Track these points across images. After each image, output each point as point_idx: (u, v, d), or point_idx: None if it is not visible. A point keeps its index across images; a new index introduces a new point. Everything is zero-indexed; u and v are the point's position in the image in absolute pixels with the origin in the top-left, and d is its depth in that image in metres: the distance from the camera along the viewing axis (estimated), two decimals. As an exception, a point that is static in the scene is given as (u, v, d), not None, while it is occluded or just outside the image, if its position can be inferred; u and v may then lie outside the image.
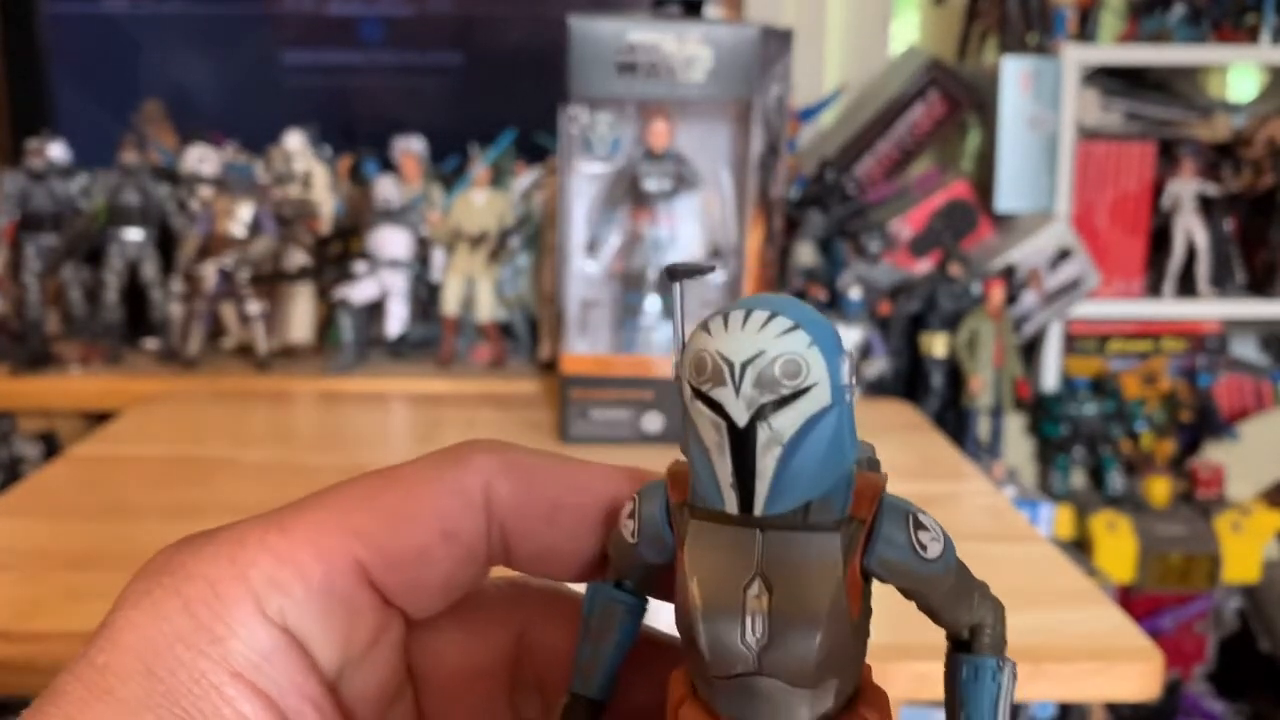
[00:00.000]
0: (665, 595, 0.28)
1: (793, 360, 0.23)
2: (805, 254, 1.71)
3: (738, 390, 0.23)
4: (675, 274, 0.26)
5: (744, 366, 0.23)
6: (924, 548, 0.25)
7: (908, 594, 0.26)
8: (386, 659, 0.28)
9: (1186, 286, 1.98)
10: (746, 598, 0.24)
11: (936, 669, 0.86)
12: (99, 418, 1.61)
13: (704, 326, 0.24)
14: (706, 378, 0.23)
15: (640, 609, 0.28)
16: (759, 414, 0.23)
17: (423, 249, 1.69)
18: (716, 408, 0.23)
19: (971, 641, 0.26)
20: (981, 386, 1.69)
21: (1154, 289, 2.00)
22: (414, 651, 0.29)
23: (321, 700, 0.25)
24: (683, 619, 0.25)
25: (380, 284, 1.65)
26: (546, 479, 0.29)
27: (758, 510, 0.23)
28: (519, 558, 0.29)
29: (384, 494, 0.27)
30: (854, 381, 0.24)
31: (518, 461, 0.29)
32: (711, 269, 0.27)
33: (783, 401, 0.23)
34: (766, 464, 0.23)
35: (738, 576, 0.24)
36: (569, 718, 0.28)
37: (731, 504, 0.23)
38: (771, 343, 0.23)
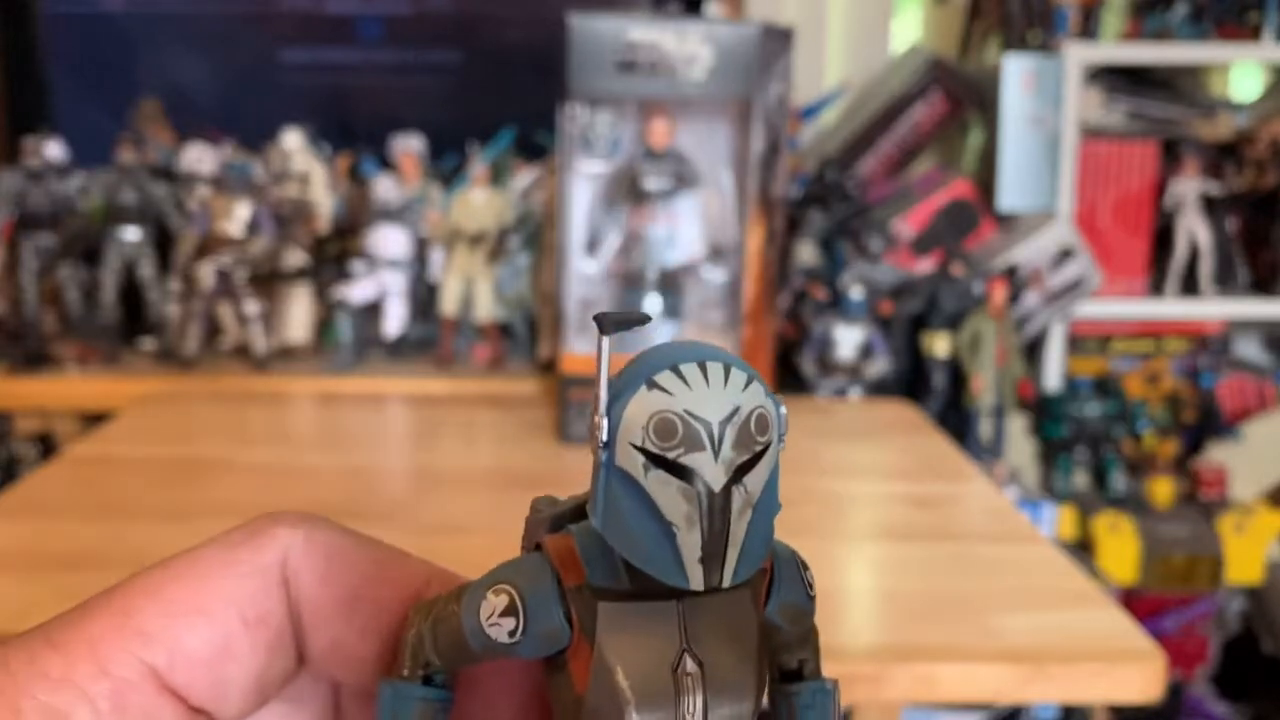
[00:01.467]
0: (479, 690, 0.26)
1: (764, 415, 0.21)
2: (806, 253, 1.70)
3: (717, 453, 0.21)
4: (604, 325, 0.23)
5: (723, 426, 0.21)
6: (810, 587, 0.24)
7: (775, 632, 0.25)
8: None
9: (1189, 286, 1.98)
10: (678, 679, 0.22)
11: (937, 670, 0.85)
12: (96, 418, 1.61)
13: (653, 384, 0.22)
14: (677, 443, 0.21)
15: (449, 705, 0.25)
16: (734, 476, 0.21)
17: (421, 248, 1.68)
18: (687, 475, 0.21)
19: (801, 669, 0.25)
20: (983, 386, 1.68)
21: (1157, 289, 2.00)
22: None
23: None
24: (599, 715, 0.22)
25: (379, 284, 1.64)
26: (347, 563, 0.26)
27: (726, 582, 0.22)
28: (311, 650, 0.26)
29: (171, 585, 0.24)
30: (784, 431, 0.22)
31: (320, 540, 0.26)
32: (646, 320, 0.24)
33: (753, 460, 0.21)
34: (739, 530, 0.21)
35: (665, 657, 0.22)
36: None
37: (697, 581, 0.21)
38: (741, 398, 0.21)
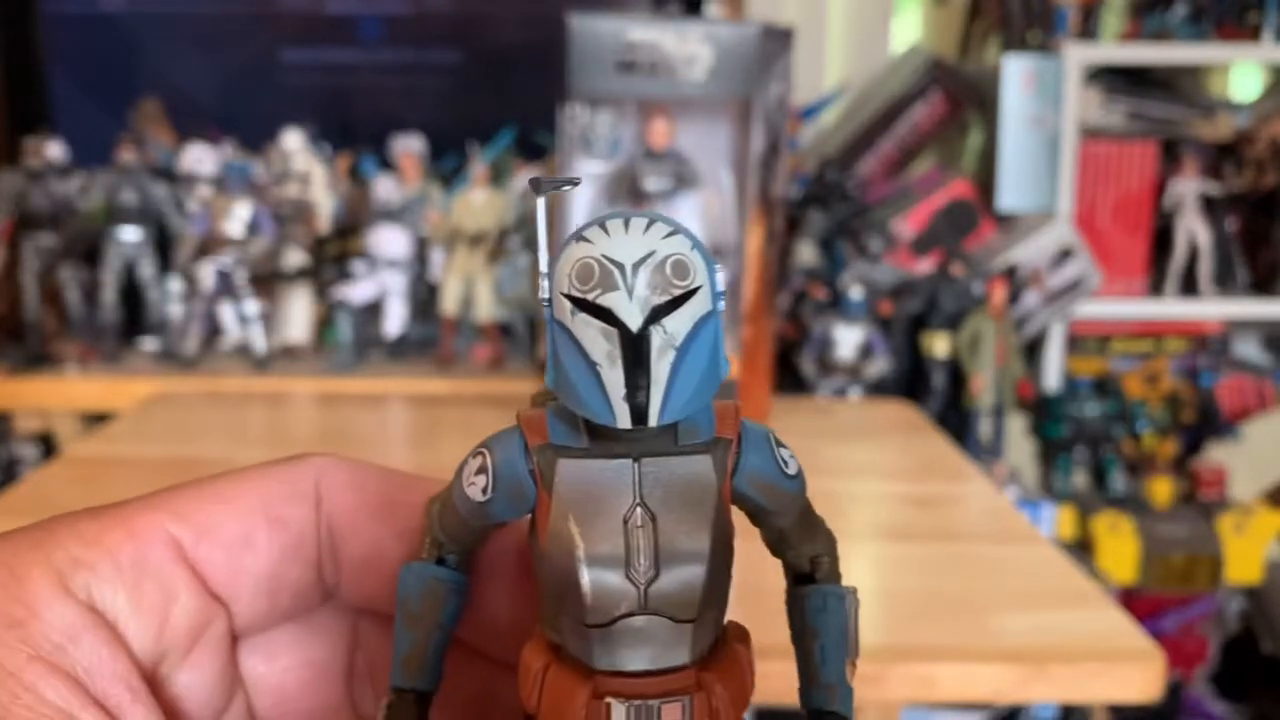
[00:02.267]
0: (487, 570, 0.27)
1: (681, 260, 0.22)
2: (806, 253, 1.70)
3: (630, 293, 0.22)
4: (539, 187, 0.24)
5: (635, 267, 0.22)
6: (786, 464, 0.25)
7: (764, 516, 0.25)
8: (212, 660, 0.26)
9: (1189, 286, 1.98)
10: (629, 530, 0.23)
11: (936, 670, 0.85)
12: (96, 418, 1.61)
13: (580, 237, 0.23)
14: (594, 284, 0.22)
15: (464, 587, 0.27)
16: (652, 316, 0.22)
17: (422, 248, 1.69)
18: (606, 315, 0.22)
19: (814, 572, 0.26)
20: (983, 386, 1.68)
21: (1156, 289, 2.00)
22: (244, 654, 0.28)
23: (134, 681, 0.24)
24: (556, 567, 0.23)
25: (379, 284, 1.64)
26: (379, 478, 0.28)
27: (652, 420, 0.22)
28: (346, 558, 0.27)
29: (208, 482, 0.26)
30: (724, 291, 0.23)
31: (351, 461, 0.28)
32: (576, 181, 0.25)
33: (674, 303, 0.22)
34: (661, 369, 0.22)
35: (617, 510, 0.23)
36: (395, 716, 0.26)
37: (624, 418, 0.22)
38: (659, 244, 0.22)
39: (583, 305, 0.22)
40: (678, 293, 0.22)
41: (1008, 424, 1.78)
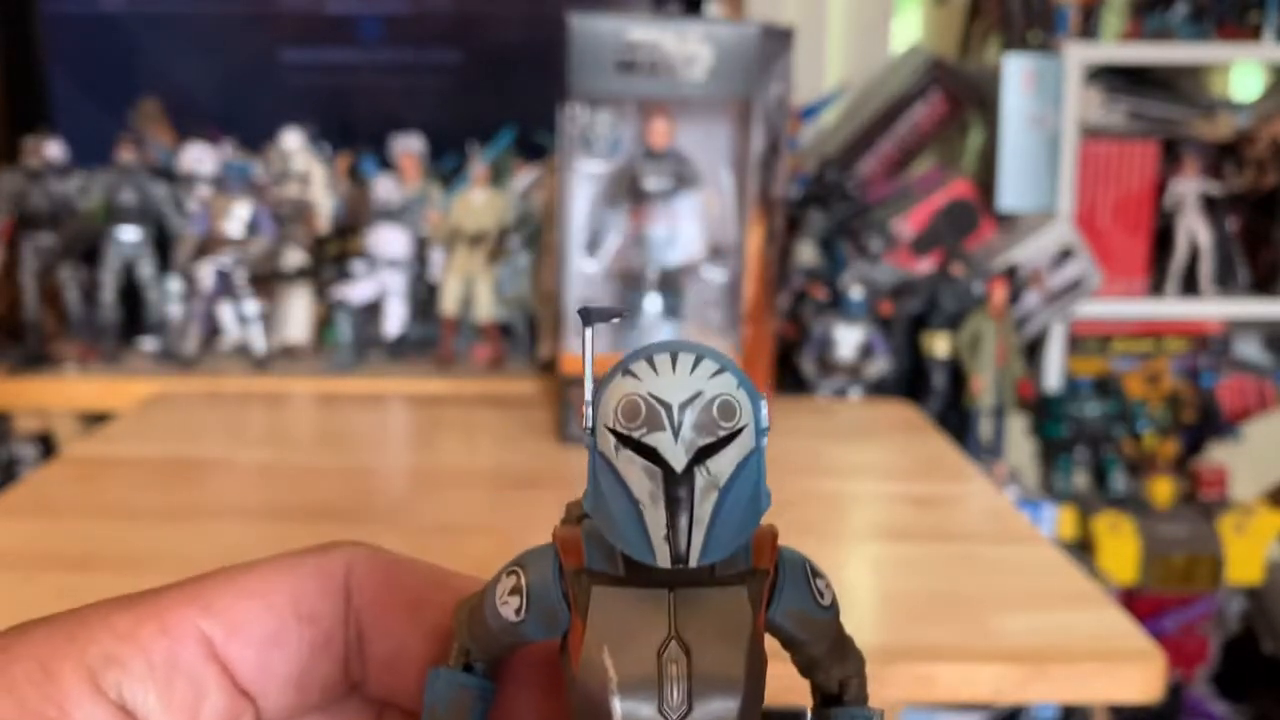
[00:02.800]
0: (515, 679, 0.27)
1: (728, 401, 0.23)
2: (806, 253, 1.70)
3: (676, 434, 0.22)
4: (588, 317, 0.25)
5: (682, 408, 0.22)
6: (821, 594, 0.25)
7: (797, 645, 0.26)
8: None
9: (1189, 286, 1.98)
10: (663, 664, 0.23)
11: (937, 670, 0.85)
12: (96, 418, 1.61)
13: (627, 371, 0.23)
14: (640, 422, 0.22)
15: (490, 695, 0.27)
16: (697, 458, 0.22)
17: (422, 248, 1.69)
18: (651, 454, 0.22)
19: (842, 694, 0.26)
20: (983, 387, 1.68)
21: (1157, 289, 2.00)
22: None
23: None
24: (588, 694, 0.23)
25: (379, 283, 1.64)
26: (411, 573, 0.28)
27: (693, 561, 0.22)
28: (373, 655, 0.27)
29: (240, 574, 0.26)
30: (768, 426, 0.23)
31: (383, 554, 0.27)
32: (622, 314, 0.25)
33: (719, 444, 0.22)
34: (704, 510, 0.22)
35: (652, 642, 0.23)
36: None
37: (664, 558, 0.22)
38: (706, 384, 0.23)
39: (628, 442, 0.23)
40: (723, 434, 0.22)
41: (1008, 424, 1.78)
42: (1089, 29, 1.92)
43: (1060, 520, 1.84)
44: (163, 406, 1.50)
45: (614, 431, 0.23)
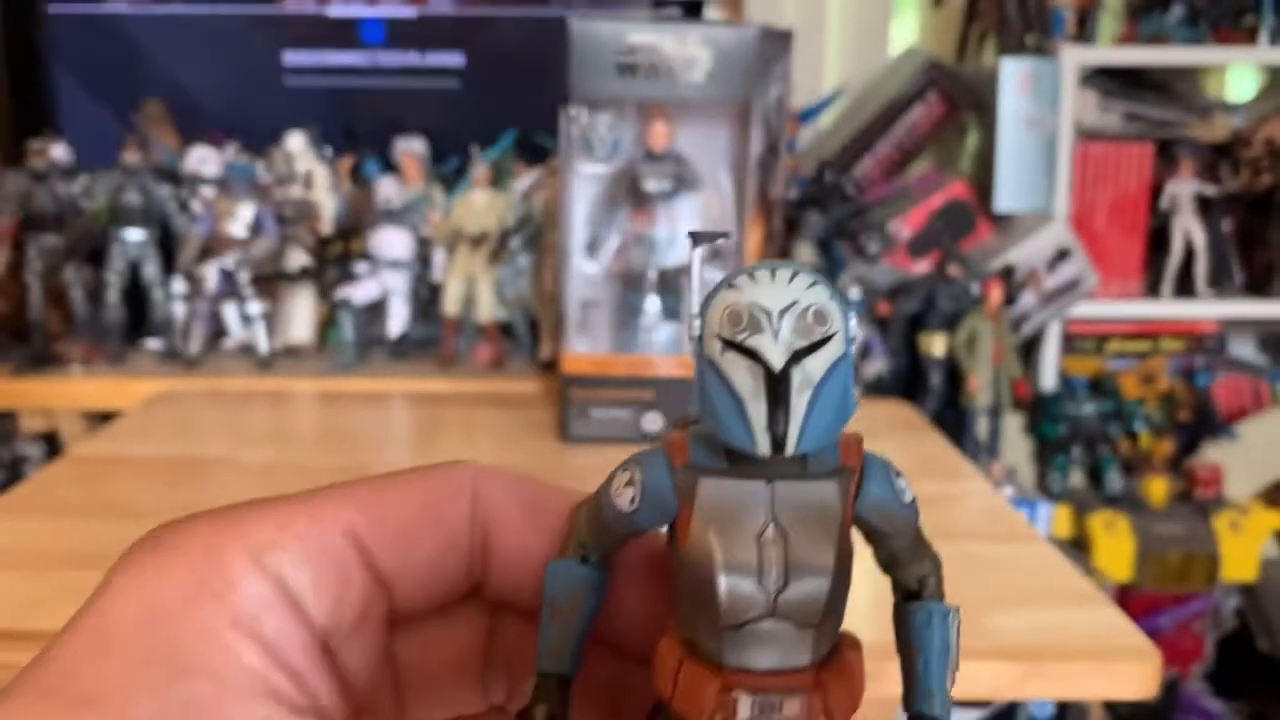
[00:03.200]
0: (624, 572, 0.30)
1: (822, 309, 0.25)
2: (804, 254, 1.71)
3: (776, 336, 0.25)
4: (696, 239, 0.28)
5: (781, 314, 0.25)
6: (903, 493, 0.28)
7: (880, 539, 0.28)
8: (374, 639, 0.29)
9: (1185, 287, 1.99)
10: (762, 544, 0.26)
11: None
12: (101, 417, 1.62)
13: (730, 285, 0.26)
14: (743, 328, 0.25)
15: (603, 585, 0.29)
16: (794, 358, 0.25)
17: (424, 249, 1.69)
18: (753, 355, 0.25)
19: (921, 590, 0.29)
20: (980, 386, 1.69)
21: (1152, 289, 2.01)
22: (397, 636, 0.30)
23: (314, 651, 0.26)
24: (695, 574, 0.26)
25: (381, 284, 1.65)
26: (530, 484, 0.31)
27: (789, 449, 0.25)
28: (496, 555, 0.30)
29: (378, 480, 0.29)
30: (856, 336, 0.26)
31: (504, 469, 0.30)
32: (727, 235, 0.29)
33: (813, 347, 0.25)
34: (800, 404, 0.25)
35: (752, 526, 0.26)
36: (541, 696, 0.29)
37: (764, 446, 0.25)
38: (803, 293, 0.25)
39: (732, 346, 0.25)
40: (816, 338, 0.25)
41: (1004, 423, 1.79)
42: (1085, 32, 1.93)
43: (1056, 519, 1.85)
44: (167, 406, 1.51)
45: (720, 338, 0.25)
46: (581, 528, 0.29)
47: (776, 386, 0.25)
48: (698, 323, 0.26)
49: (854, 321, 0.26)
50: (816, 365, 0.25)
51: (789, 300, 0.25)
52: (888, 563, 0.29)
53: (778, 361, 0.25)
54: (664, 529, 0.28)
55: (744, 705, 0.26)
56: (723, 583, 0.25)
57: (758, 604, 0.25)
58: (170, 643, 0.24)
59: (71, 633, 0.25)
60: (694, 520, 0.26)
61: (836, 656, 0.27)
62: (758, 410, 0.25)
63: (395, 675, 0.31)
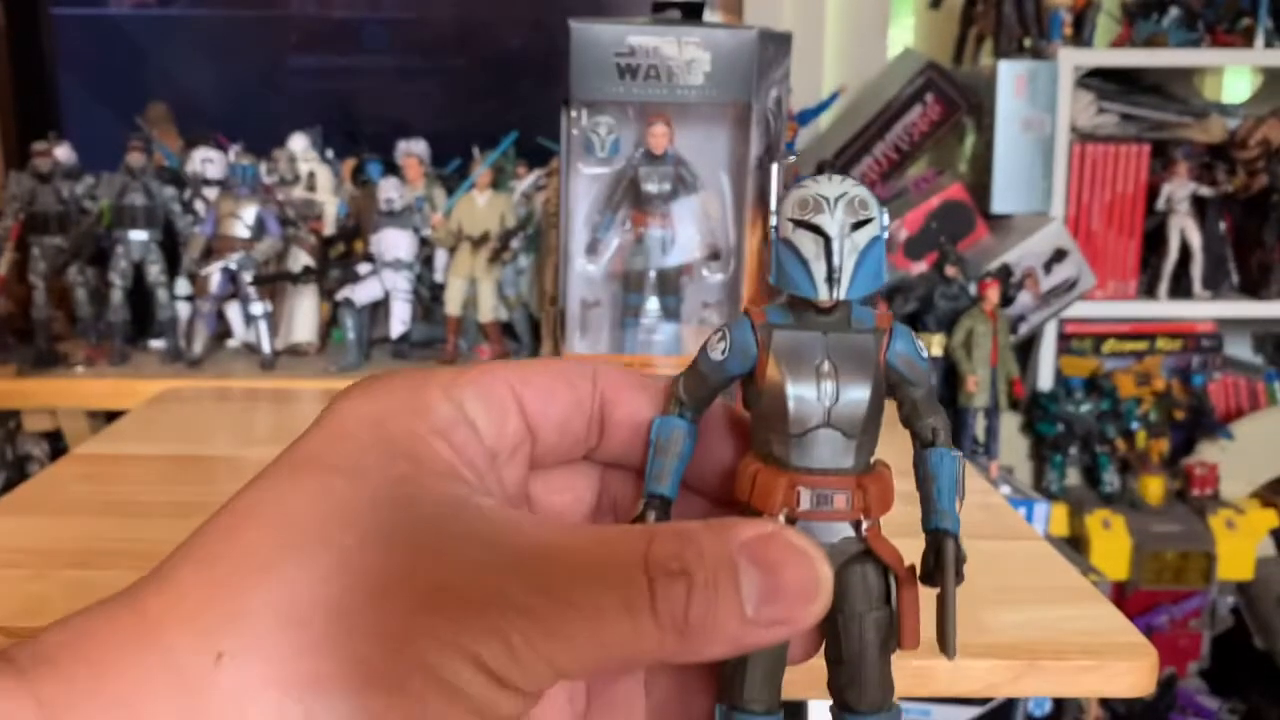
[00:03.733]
0: (709, 429, 0.38)
1: (865, 199, 0.34)
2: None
3: (833, 214, 0.34)
4: (770, 158, 0.39)
5: (836, 200, 0.34)
6: (921, 349, 0.35)
7: (903, 387, 0.35)
8: (520, 472, 0.37)
9: (1181, 287, 2.00)
10: (820, 373, 0.34)
11: (931, 665, 0.86)
12: (105, 417, 1.62)
13: (799, 184, 0.34)
14: (810, 209, 0.34)
15: (695, 433, 0.37)
16: (844, 231, 0.34)
17: (425, 250, 1.70)
18: (817, 230, 0.34)
19: (934, 439, 0.36)
20: (977, 386, 1.70)
21: (1148, 290, 2.02)
22: (534, 479, 0.38)
23: (486, 463, 0.35)
24: (770, 398, 0.35)
25: (383, 284, 1.66)
26: (637, 371, 0.39)
27: (841, 294, 0.34)
28: (611, 418, 0.38)
29: (525, 360, 0.39)
30: (888, 225, 0.34)
31: (613, 363, 0.37)
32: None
33: (859, 224, 0.34)
34: (850, 263, 0.34)
35: (812, 361, 0.34)
36: (649, 507, 0.37)
37: (824, 293, 0.34)
38: (851, 189, 0.34)
39: (801, 224, 0.34)
40: (861, 218, 0.34)
41: (1001, 423, 1.80)
42: (1082, 34, 1.93)
43: (1053, 518, 1.85)
44: (170, 405, 1.51)
45: (792, 219, 0.34)
46: (679, 390, 0.37)
47: (833, 249, 0.33)
48: (775, 216, 0.35)
49: (885, 216, 0.34)
50: (861, 238, 0.34)
51: (841, 192, 0.34)
52: (909, 415, 0.36)
53: (835, 232, 0.33)
54: (740, 396, 0.37)
55: (805, 497, 0.34)
56: (791, 397, 0.34)
57: (816, 414, 0.34)
58: (388, 438, 0.32)
59: (315, 429, 0.34)
60: (770, 360, 0.35)
61: (874, 470, 0.35)
62: (819, 268, 0.34)
63: (529, 506, 0.39)
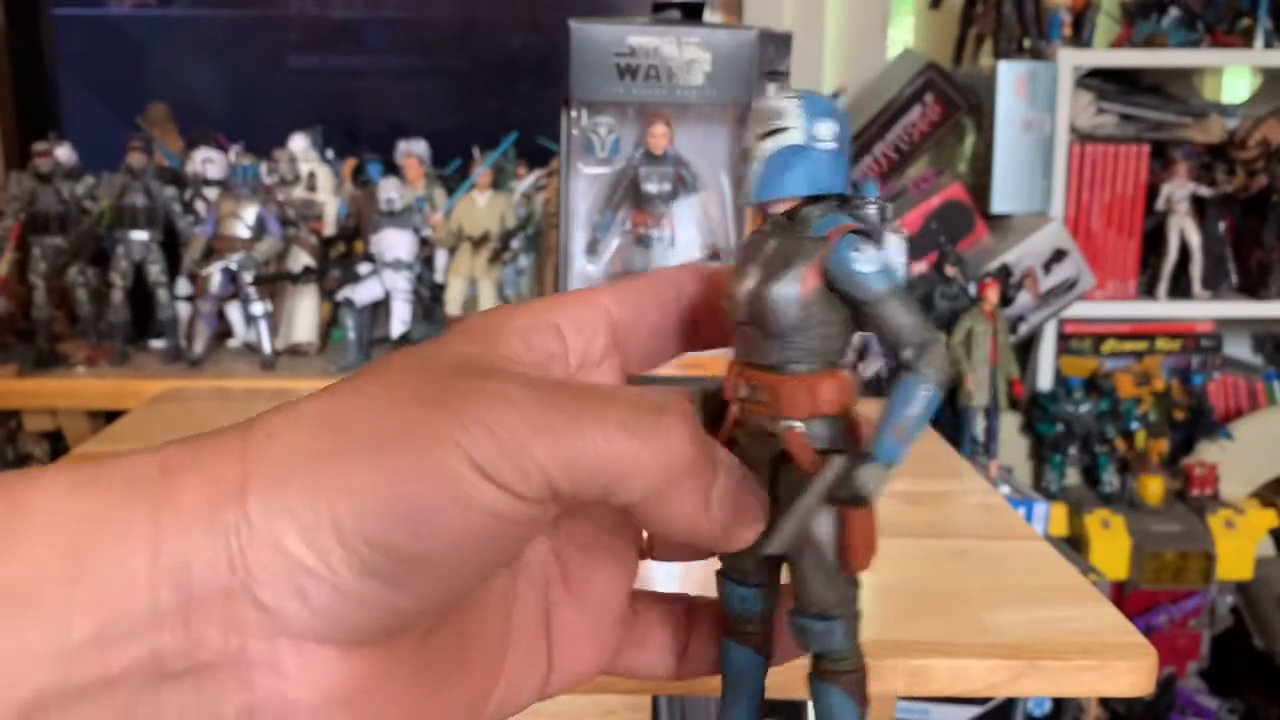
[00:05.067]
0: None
1: (781, 109, 0.35)
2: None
3: (750, 129, 0.36)
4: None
5: (755, 115, 0.36)
6: (859, 251, 0.35)
7: (860, 308, 0.35)
8: (611, 377, 0.39)
9: (1180, 287, 2.00)
10: (747, 271, 0.36)
11: (930, 664, 0.87)
12: (105, 417, 1.62)
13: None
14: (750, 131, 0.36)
15: None
16: (754, 141, 0.35)
17: (426, 250, 1.70)
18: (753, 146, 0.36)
19: (907, 366, 0.35)
20: (977, 386, 1.70)
21: (1148, 290, 2.02)
22: None
23: (570, 369, 0.38)
24: (729, 282, 0.36)
25: (383, 284, 1.66)
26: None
27: (749, 199, 0.36)
28: (699, 334, 0.41)
29: (624, 283, 0.41)
30: (840, 143, 0.35)
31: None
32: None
33: (768, 134, 0.35)
34: (756, 170, 0.35)
35: (751, 260, 0.36)
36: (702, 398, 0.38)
37: (740, 198, 0.40)
38: (770, 102, 0.35)
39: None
40: (770, 128, 0.35)
41: (1001, 423, 1.80)
42: (1081, 35, 1.94)
43: (1052, 518, 1.86)
44: (171, 405, 1.51)
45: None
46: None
47: (749, 159, 0.35)
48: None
49: (824, 128, 0.35)
50: (769, 145, 0.35)
51: (761, 107, 0.35)
52: (890, 341, 0.35)
53: (750, 143, 0.35)
54: None
55: (741, 387, 0.36)
56: (726, 293, 0.36)
57: (740, 310, 0.36)
58: (487, 339, 0.35)
59: (448, 334, 0.36)
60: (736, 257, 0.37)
61: (806, 375, 0.36)
62: (750, 173, 0.36)
63: None
